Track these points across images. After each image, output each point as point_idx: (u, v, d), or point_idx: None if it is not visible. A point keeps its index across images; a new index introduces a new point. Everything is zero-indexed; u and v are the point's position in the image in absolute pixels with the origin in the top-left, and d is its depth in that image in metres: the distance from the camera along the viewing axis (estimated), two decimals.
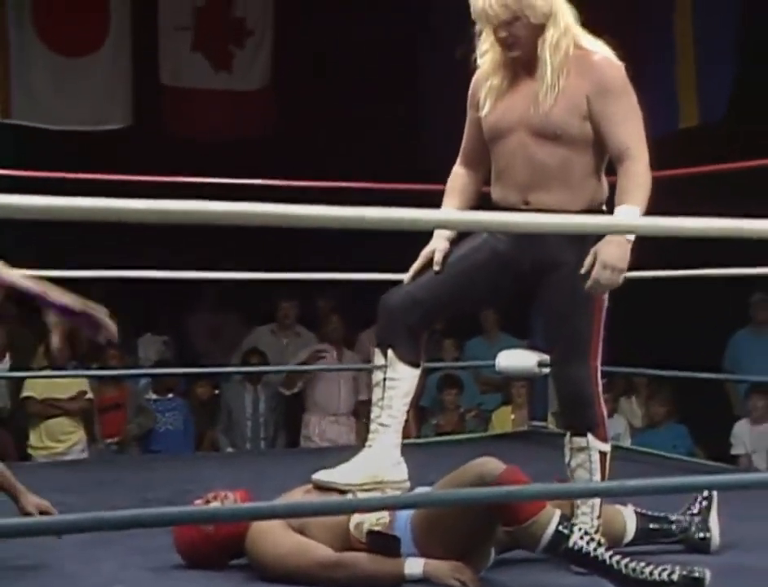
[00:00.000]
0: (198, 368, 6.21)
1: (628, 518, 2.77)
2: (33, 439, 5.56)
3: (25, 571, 2.63)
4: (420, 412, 5.79)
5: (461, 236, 2.67)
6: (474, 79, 2.70)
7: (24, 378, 5.50)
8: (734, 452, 5.50)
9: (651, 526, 2.80)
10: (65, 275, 4.05)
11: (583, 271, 2.49)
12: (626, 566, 2.38)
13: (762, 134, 5.10)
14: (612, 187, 2.60)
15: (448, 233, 2.65)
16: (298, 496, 2.61)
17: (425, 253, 2.66)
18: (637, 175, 2.50)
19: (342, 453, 2.79)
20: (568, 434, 2.65)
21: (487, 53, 2.63)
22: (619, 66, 2.57)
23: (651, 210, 2.45)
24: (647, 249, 2.44)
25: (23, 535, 1.65)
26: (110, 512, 1.61)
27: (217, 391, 6.26)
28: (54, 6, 6.11)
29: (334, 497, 2.53)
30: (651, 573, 2.38)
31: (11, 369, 5.59)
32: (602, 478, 2.61)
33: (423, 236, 2.58)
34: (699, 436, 5.68)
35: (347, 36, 6.88)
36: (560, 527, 2.38)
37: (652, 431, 5.69)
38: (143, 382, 6.10)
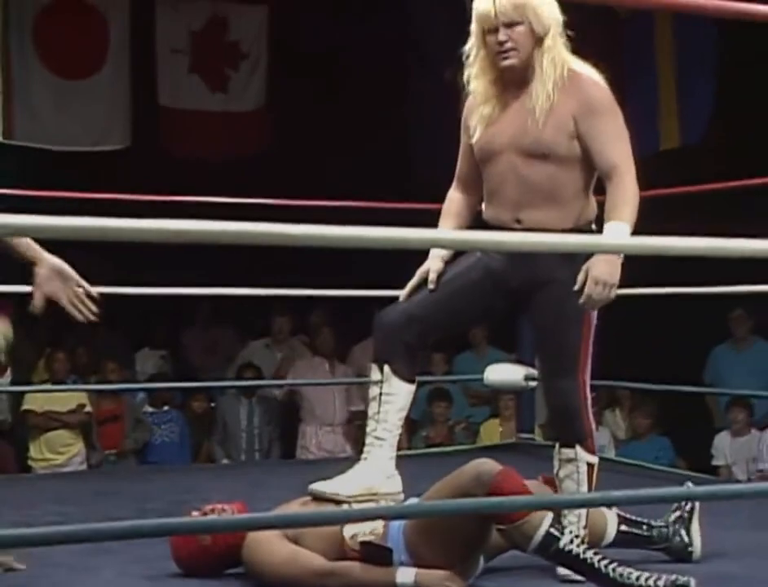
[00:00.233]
0: (194, 382, 6.21)
1: (610, 520, 2.77)
2: (33, 451, 5.55)
3: (24, 580, 2.62)
4: (410, 424, 5.78)
5: (456, 255, 2.68)
6: (465, 106, 2.70)
7: (24, 392, 5.49)
8: (714, 463, 5.51)
9: (633, 531, 2.80)
10: None
11: (576, 287, 2.50)
12: (614, 570, 2.39)
13: (740, 155, 5.13)
14: (600, 206, 2.61)
15: (443, 253, 2.65)
16: (296, 507, 2.60)
17: (420, 272, 2.67)
18: (626, 192, 2.51)
19: (334, 464, 2.78)
20: (557, 445, 2.66)
21: (477, 78, 2.62)
22: (605, 87, 2.58)
23: (634, 229, 2.46)
24: (630, 266, 2.45)
25: (22, 545, 1.64)
26: (108, 523, 1.61)
27: (213, 404, 6.25)
28: (54, 29, 6.12)
29: (329, 507, 2.54)
30: (637, 578, 2.39)
31: (12, 383, 5.58)
32: (589, 489, 2.62)
33: (415, 253, 2.58)
34: (680, 448, 5.70)
35: (340, 60, 6.92)
36: (551, 529, 2.39)
37: (636, 443, 5.70)
38: (140, 396, 6.10)
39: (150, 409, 6.00)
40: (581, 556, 2.40)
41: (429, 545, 2.45)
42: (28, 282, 2.31)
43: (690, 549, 2.80)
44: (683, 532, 2.81)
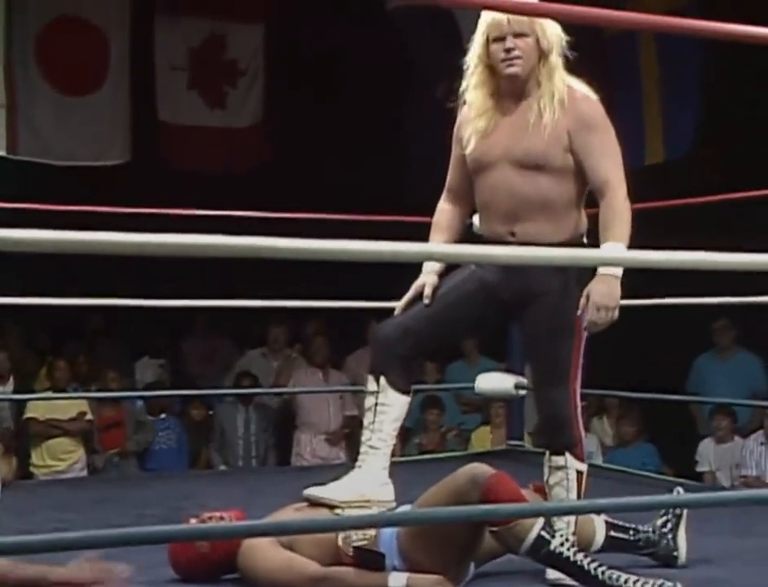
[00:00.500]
0: (193, 390, 6.20)
1: (598, 526, 2.77)
2: (35, 457, 5.53)
3: None
4: (404, 431, 5.77)
5: (450, 268, 2.67)
6: (460, 117, 2.69)
7: (26, 400, 5.47)
8: (699, 469, 5.52)
9: (620, 536, 2.79)
10: (68, 303, 4.05)
11: (579, 312, 2.49)
12: (603, 573, 2.39)
13: (724, 170, 5.15)
14: (590, 218, 2.61)
15: (437, 267, 2.65)
16: (290, 513, 2.60)
17: (415, 287, 2.66)
18: (619, 210, 2.50)
19: (329, 471, 2.78)
20: (547, 453, 2.65)
21: (475, 89, 2.61)
22: (599, 104, 2.58)
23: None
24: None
25: (23, 552, 1.63)
26: (108, 530, 1.60)
27: (211, 412, 6.24)
28: (56, 47, 6.12)
29: (323, 512, 2.53)
30: (626, 581, 2.39)
31: (15, 392, 5.56)
32: (579, 496, 2.61)
33: (409, 265, 2.58)
34: (666, 454, 5.70)
35: (334, 74, 6.94)
36: (543, 532, 2.39)
37: (623, 450, 5.70)
38: (139, 404, 6.08)
39: (148, 417, 5.98)
40: (572, 559, 2.40)
41: (422, 549, 2.44)
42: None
43: (675, 553, 2.80)
44: (670, 538, 2.81)
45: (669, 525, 2.81)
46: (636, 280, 2.49)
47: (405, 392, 2.63)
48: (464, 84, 2.64)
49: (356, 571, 2.46)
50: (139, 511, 3.55)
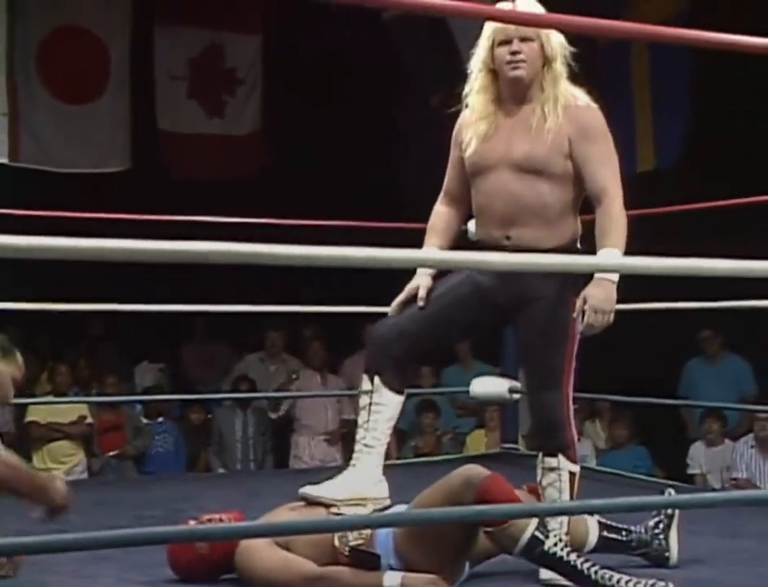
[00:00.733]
0: (191, 395, 6.20)
1: (591, 527, 2.77)
2: (36, 461, 5.52)
3: None
4: (400, 434, 5.78)
5: (443, 271, 2.67)
6: (460, 120, 2.68)
7: (27, 404, 5.47)
8: (690, 471, 5.52)
9: (613, 536, 2.79)
10: (69, 309, 4.05)
11: (575, 315, 2.49)
12: (596, 573, 2.39)
13: (712, 177, 5.16)
14: (585, 225, 2.61)
15: (430, 269, 2.64)
16: (285, 512, 2.60)
17: (409, 289, 2.65)
18: (615, 218, 2.51)
19: (326, 473, 2.77)
20: (540, 454, 2.65)
21: (477, 94, 2.61)
22: (600, 113, 2.59)
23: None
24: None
25: (24, 553, 1.63)
26: (108, 531, 1.60)
27: (209, 416, 6.24)
28: (58, 56, 6.12)
29: (319, 511, 2.53)
30: (618, 581, 2.39)
31: (16, 396, 5.55)
32: (571, 497, 2.61)
33: (404, 270, 2.58)
34: (658, 457, 5.70)
35: (333, 82, 6.95)
36: (536, 532, 2.39)
37: (615, 452, 5.70)
38: (137, 408, 6.08)
39: (145, 421, 5.98)
40: (565, 558, 2.40)
41: (417, 548, 2.44)
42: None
43: (666, 554, 2.80)
44: (662, 538, 2.81)
45: (661, 526, 2.81)
46: (627, 284, 2.50)
47: (399, 392, 2.62)
48: (467, 88, 2.64)
49: (352, 571, 2.45)
50: (138, 513, 3.55)
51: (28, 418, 5.50)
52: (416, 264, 2.17)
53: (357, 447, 2.62)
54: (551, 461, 2.62)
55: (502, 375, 4.61)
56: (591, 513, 2.68)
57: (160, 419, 5.99)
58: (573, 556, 2.40)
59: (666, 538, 2.81)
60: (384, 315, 2.71)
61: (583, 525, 2.75)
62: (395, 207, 5.22)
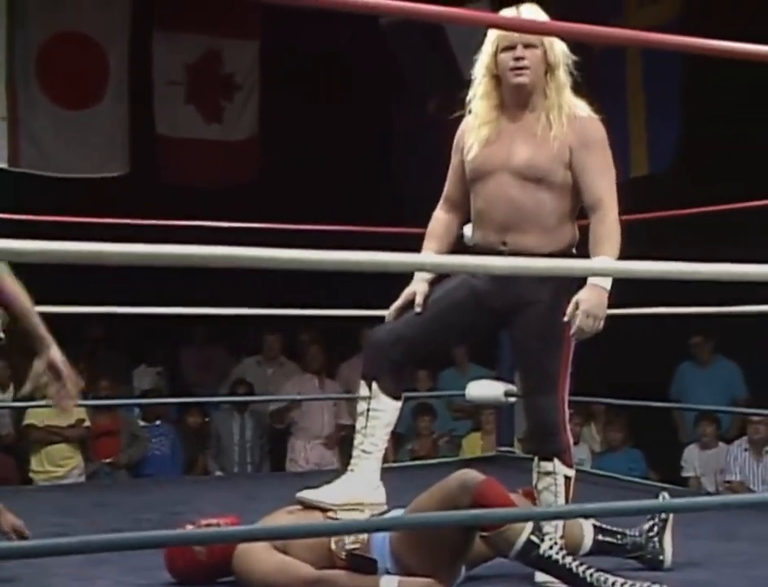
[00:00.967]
0: (189, 398, 6.19)
1: (586, 530, 2.77)
2: (34, 463, 5.51)
3: None
4: (396, 437, 5.77)
5: (441, 276, 2.67)
6: (463, 126, 2.68)
7: (26, 407, 5.46)
8: (684, 474, 5.53)
9: (608, 539, 2.80)
10: (68, 311, 4.04)
11: (566, 318, 2.49)
12: (591, 575, 2.39)
13: (705, 182, 5.17)
14: (581, 229, 2.62)
15: (427, 275, 2.64)
16: (283, 516, 2.59)
17: (406, 294, 2.65)
18: (610, 229, 2.52)
19: (322, 476, 2.77)
20: (536, 458, 2.65)
21: (481, 100, 2.61)
22: (601, 124, 2.59)
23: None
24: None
25: (23, 557, 1.62)
26: (106, 535, 1.60)
27: (207, 419, 6.24)
28: (57, 62, 6.12)
29: (316, 515, 2.52)
30: (613, 584, 2.39)
31: (14, 399, 5.54)
32: (566, 501, 2.61)
33: (401, 275, 2.58)
34: (652, 460, 5.70)
35: (331, 87, 6.95)
36: (532, 536, 2.39)
37: (610, 455, 5.70)
38: (136, 411, 6.07)
39: (143, 423, 5.98)
40: (560, 562, 2.40)
41: (414, 552, 2.44)
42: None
43: (661, 557, 2.80)
44: (656, 541, 2.81)
45: (656, 529, 2.81)
46: (620, 289, 2.51)
47: (397, 397, 2.62)
48: (470, 93, 2.64)
49: (349, 575, 2.45)
50: (136, 516, 3.54)
51: (27, 421, 5.49)
52: (413, 268, 2.18)
53: (355, 452, 2.62)
54: (547, 465, 2.62)
55: (498, 378, 4.61)
56: (586, 516, 2.68)
57: (158, 422, 5.98)
58: (569, 559, 2.41)
59: (661, 541, 2.81)
60: (381, 318, 2.71)
61: (578, 528, 2.75)
62: (394, 210, 5.22)
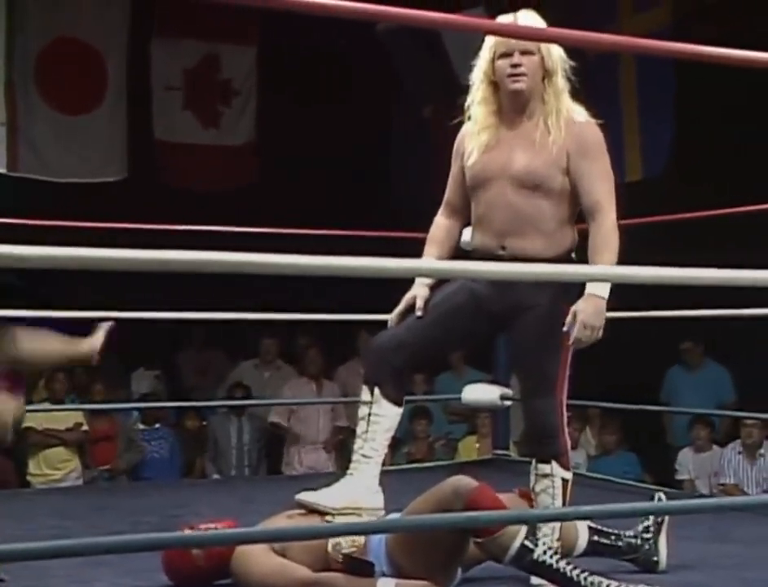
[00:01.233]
0: (187, 402, 6.19)
1: (581, 531, 2.77)
2: (32, 466, 5.51)
3: None
4: (393, 441, 5.75)
5: (441, 281, 2.67)
6: (462, 131, 2.68)
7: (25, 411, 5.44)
8: (678, 477, 5.53)
9: (603, 541, 2.80)
10: (66, 316, 4.04)
11: (565, 328, 2.49)
12: (585, 579, 2.39)
13: (698, 187, 5.18)
14: (580, 233, 2.62)
15: (428, 280, 2.64)
16: (282, 520, 2.59)
17: (406, 299, 2.65)
18: (608, 235, 2.52)
19: (319, 480, 2.77)
20: (534, 461, 2.65)
21: (479, 105, 2.62)
22: (599, 129, 2.59)
23: None
24: None
25: (21, 559, 1.62)
26: (103, 537, 1.59)
27: (204, 422, 6.23)
28: (55, 68, 6.12)
29: (315, 519, 2.52)
30: (608, 586, 2.38)
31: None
32: (564, 504, 2.61)
33: (399, 279, 2.58)
34: (647, 463, 5.70)
35: (327, 89, 6.95)
36: (526, 541, 2.39)
37: (605, 458, 5.70)
38: (135, 414, 6.07)
39: (141, 427, 5.97)
40: (554, 566, 2.40)
41: (410, 556, 2.44)
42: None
43: (655, 559, 2.80)
44: (651, 543, 2.81)
45: (651, 531, 2.81)
46: (614, 294, 2.51)
47: (398, 403, 2.62)
48: (468, 99, 2.64)
49: (346, 577, 2.45)
50: (134, 519, 3.54)
51: (25, 424, 5.48)
52: (411, 273, 2.17)
53: (355, 456, 2.62)
54: (544, 468, 2.62)
55: (494, 382, 4.61)
56: (582, 519, 2.68)
57: (157, 425, 5.98)
58: (563, 563, 2.40)
59: (655, 543, 2.81)
60: (379, 322, 2.71)
61: (573, 529, 2.75)
62: (392, 213, 5.23)
